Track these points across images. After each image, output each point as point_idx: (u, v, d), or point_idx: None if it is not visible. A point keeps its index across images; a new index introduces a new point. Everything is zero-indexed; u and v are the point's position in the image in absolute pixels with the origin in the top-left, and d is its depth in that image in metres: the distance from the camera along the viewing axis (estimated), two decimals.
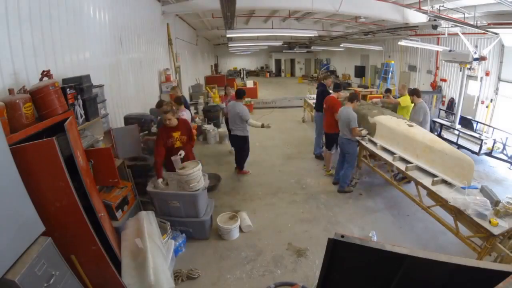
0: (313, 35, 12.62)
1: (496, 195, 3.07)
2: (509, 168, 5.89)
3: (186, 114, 4.81)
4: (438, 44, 9.65)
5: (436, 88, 10.30)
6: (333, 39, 15.05)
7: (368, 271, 1.40)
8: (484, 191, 3.16)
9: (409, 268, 1.22)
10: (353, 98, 4.82)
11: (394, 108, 5.91)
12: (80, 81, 3.14)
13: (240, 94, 5.43)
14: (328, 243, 1.32)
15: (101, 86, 3.78)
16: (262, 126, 5.31)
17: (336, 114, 5.10)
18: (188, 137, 3.94)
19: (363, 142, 4.94)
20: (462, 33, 6.91)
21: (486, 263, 1.14)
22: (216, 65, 25.63)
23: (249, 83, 14.51)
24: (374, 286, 1.39)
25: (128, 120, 4.51)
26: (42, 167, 2.09)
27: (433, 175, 3.64)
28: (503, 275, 1.05)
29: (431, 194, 3.49)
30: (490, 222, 2.73)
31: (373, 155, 4.84)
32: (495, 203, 2.96)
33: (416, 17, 7.16)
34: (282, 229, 4.05)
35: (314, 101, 7.13)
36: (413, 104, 5.46)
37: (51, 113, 2.48)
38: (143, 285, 2.55)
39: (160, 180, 3.61)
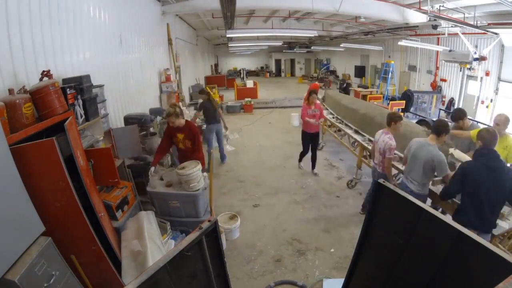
0: (313, 35, 12.62)
1: None
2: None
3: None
4: (438, 44, 9.65)
5: (436, 88, 10.31)
6: (333, 39, 15.06)
7: (398, 219, 1.82)
8: None
9: (426, 221, 1.59)
10: (441, 130, 3.00)
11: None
12: (80, 81, 3.14)
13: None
14: (374, 185, 1.93)
15: (101, 86, 3.78)
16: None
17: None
18: (192, 142, 3.79)
19: (363, 143, 4.94)
20: (462, 33, 6.92)
21: (485, 242, 1.31)
22: (216, 65, 25.63)
23: (249, 83, 14.52)
24: (402, 235, 1.76)
25: (128, 120, 4.51)
26: (42, 167, 2.09)
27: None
28: (499, 258, 1.20)
29: (431, 194, 3.49)
30: None
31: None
32: None
33: (416, 17, 7.17)
34: (282, 229, 4.05)
35: None
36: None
37: (51, 113, 2.48)
38: None
39: (153, 168, 3.63)
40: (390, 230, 1.88)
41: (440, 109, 9.57)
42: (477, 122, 7.34)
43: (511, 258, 1.17)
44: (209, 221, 1.61)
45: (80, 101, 3.10)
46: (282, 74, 28.39)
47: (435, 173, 3.06)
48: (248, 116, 11.12)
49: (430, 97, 9.69)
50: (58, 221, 2.19)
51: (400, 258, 1.77)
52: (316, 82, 11.39)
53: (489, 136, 2.58)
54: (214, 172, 5.85)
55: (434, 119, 7.55)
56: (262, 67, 29.72)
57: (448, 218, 1.53)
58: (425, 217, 1.58)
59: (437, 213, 1.55)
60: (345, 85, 12.56)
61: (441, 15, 6.57)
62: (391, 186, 1.82)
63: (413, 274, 1.71)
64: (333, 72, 22.71)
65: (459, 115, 3.82)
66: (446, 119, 3.22)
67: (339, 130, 6.41)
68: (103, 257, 2.43)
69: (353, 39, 13.36)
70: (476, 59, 6.38)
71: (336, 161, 6.41)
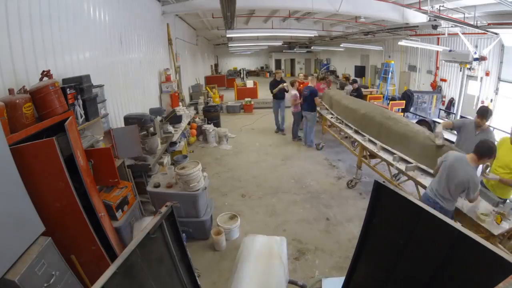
0: (313, 35, 12.62)
1: (495, 196, 3.07)
2: None
3: None
4: (438, 44, 9.66)
5: (436, 88, 10.31)
6: (333, 39, 15.05)
7: (398, 219, 1.83)
8: (482, 193, 3.16)
9: (425, 222, 1.59)
10: (485, 154, 2.72)
11: None
12: (80, 81, 3.14)
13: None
14: (373, 184, 1.87)
15: (101, 86, 3.78)
16: None
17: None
18: None
19: (364, 143, 4.94)
20: (462, 33, 6.92)
21: (485, 242, 1.30)
22: (216, 65, 25.61)
23: (249, 83, 14.51)
24: (402, 235, 1.75)
25: (128, 120, 4.51)
26: (42, 167, 2.09)
27: (433, 175, 3.63)
28: (499, 259, 1.20)
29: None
30: (496, 219, 2.73)
31: (373, 155, 4.84)
32: (496, 204, 2.96)
33: (416, 17, 7.16)
34: (282, 229, 4.05)
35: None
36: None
37: (51, 113, 2.48)
38: None
39: None
40: (390, 230, 1.88)
41: (440, 109, 9.57)
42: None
43: (511, 258, 1.17)
44: (166, 206, 1.73)
45: (80, 101, 3.10)
46: (283, 74, 28.36)
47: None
48: (248, 116, 11.13)
49: (430, 97, 9.69)
50: (58, 221, 2.19)
51: (400, 258, 1.77)
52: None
53: None
54: (214, 172, 5.88)
55: (434, 120, 7.56)
56: (262, 67, 29.70)
57: (447, 218, 1.52)
58: (425, 217, 1.58)
59: (437, 213, 1.55)
60: (356, 94, 8.11)
61: (441, 15, 6.56)
62: (391, 186, 1.83)
63: (413, 274, 1.71)
64: (333, 72, 22.72)
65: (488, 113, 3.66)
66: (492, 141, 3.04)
67: (340, 132, 6.41)
68: (103, 257, 2.43)
69: (353, 39, 13.35)
70: (476, 59, 6.37)
71: (336, 161, 6.41)
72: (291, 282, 3.09)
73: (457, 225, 1.46)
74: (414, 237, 1.68)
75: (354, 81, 9.02)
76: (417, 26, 7.91)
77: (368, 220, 1.98)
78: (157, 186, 3.68)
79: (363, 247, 2.07)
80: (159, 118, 5.62)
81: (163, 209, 1.70)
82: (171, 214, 1.78)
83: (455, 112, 7.56)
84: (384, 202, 1.89)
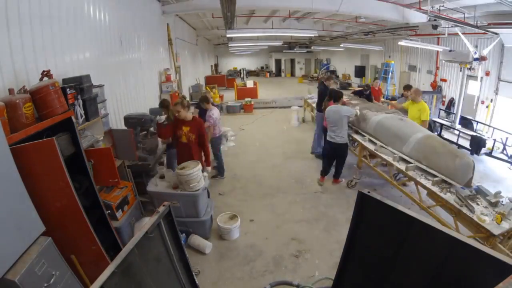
0: (313, 35, 12.62)
1: (493, 195, 3.07)
2: (509, 168, 5.89)
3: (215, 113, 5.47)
4: (438, 44, 9.65)
5: (436, 88, 10.30)
6: (333, 39, 15.05)
7: (385, 231, 1.73)
8: (480, 192, 3.16)
9: (417, 232, 1.49)
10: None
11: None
12: (80, 81, 3.14)
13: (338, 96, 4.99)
14: (357, 196, 1.78)
15: (101, 86, 3.79)
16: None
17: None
18: (196, 136, 3.91)
19: (364, 143, 4.94)
20: (462, 33, 6.91)
21: (480, 245, 1.29)
22: (216, 65, 25.61)
23: (249, 83, 14.51)
24: (390, 247, 1.68)
25: (128, 120, 4.50)
26: (42, 167, 2.09)
27: (433, 175, 3.63)
28: (497, 261, 1.18)
29: (431, 194, 3.49)
30: (496, 219, 2.73)
31: (373, 155, 4.84)
32: (495, 203, 2.96)
33: (416, 17, 7.15)
34: (282, 229, 4.05)
35: (315, 100, 7.52)
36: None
37: (51, 113, 2.48)
38: None
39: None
40: (378, 241, 1.82)
41: (440, 109, 9.56)
42: (477, 122, 7.33)
43: (508, 259, 1.16)
44: (163, 205, 1.74)
45: (80, 101, 3.10)
46: (282, 74, 28.37)
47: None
48: (248, 116, 11.12)
49: (430, 97, 9.68)
50: (58, 221, 2.19)
51: (392, 269, 1.72)
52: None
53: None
54: (214, 172, 5.86)
55: (435, 120, 7.55)
56: (262, 67, 29.69)
57: (440, 226, 1.45)
58: (417, 227, 1.52)
59: (430, 222, 1.47)
60: (368, 92, 7.22)
61: (441, 15, 6.55)
62: (377, 197, 1.70)
63: (407, 284, 1.66)
64: (333, 72, 22.71)
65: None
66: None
67: None
68: (103, 257, 2.43)
69: (353, 39, 13.35)
70: (476, 59, 6.36)
71: None
72: (285, 282, 3.08)
73: (453, 232, 1.42)
74: (406, 247, 1.62)
75: (328, 78, 6.78)
76: (417, 26, 7.91)
77: (353, 232, 1.91)
78: (162, 177, 3.74)
79: (348, 259, 2.00)
80: (163, 117, 5.61)
81: (161, 209, 1.70)
82: (169, 213, 1.78)
83: (455, 112, 7.54)
84: (371, 214, 1.79)
